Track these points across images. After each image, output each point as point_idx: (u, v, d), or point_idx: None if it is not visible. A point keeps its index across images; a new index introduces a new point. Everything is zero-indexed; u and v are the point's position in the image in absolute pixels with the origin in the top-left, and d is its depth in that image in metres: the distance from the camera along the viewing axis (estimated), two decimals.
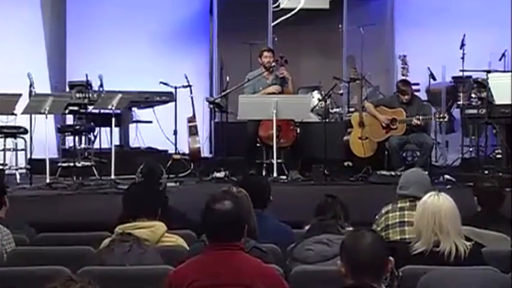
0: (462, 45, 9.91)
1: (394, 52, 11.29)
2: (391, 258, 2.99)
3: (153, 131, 10.22)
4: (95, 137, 9.46)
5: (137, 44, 11.16)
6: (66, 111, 9.48)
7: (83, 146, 9.44)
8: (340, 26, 11.13)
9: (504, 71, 9.75)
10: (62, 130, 9.75)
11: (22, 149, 9.03)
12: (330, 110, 10.44)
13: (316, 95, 10.54)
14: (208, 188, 8.33)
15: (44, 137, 8.39)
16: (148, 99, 10.21)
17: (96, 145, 9.37)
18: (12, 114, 8.73)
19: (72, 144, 9.49)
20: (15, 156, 9.05)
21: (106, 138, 9.46)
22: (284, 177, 8.90)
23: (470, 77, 10.12)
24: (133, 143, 10.57)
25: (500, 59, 10.12)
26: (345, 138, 9.62)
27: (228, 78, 10.30)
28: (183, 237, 4.43)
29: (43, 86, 9.75)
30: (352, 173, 9.20)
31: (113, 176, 8.54)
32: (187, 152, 9.91)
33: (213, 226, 3.35)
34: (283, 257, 4.18)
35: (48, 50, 10.74)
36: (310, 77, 11.22)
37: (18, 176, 8.75)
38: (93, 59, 10.61)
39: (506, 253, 4.12)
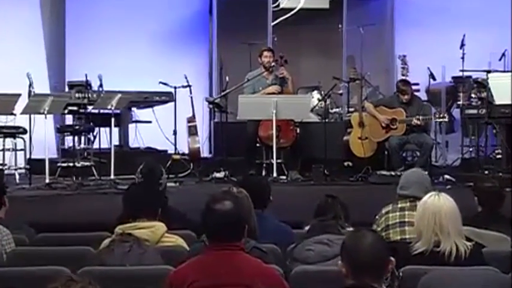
0: (462, 45, 9.91)
1: (394, 52, 11.28)
2: (392, 258, 2.99)
3: (152, 131, 10.22)
4: (95, 137, 9.45)
5: (137, 43, 11.15)
6: (66, 111, 9.47)
7: (82, 146, 9.42)
8: (340, 25, 11.13)
9: (504, 71, 9.74)
10: (62, 130, 9.74)
11: (21, 149, 9.03)
12: (330, 110, 10.43)
13: (316, 95, 10.54)
14: (208, 188, 8.32)
15: (43, 137, 8.37)
16: (148, 99, 10.20)
17: (96, 145, 9.37)
18: (12, 114, 8.72)
19: (71, 144, 9.49)
20: (14, 157, 9.05)
21: (105, 138, 9.46)
22: (284, 177, 8.90)
23: (470, 77, 10.12)
24: (133, 143, 10.56)
25: (500, 59, 10.12)
26: (345, 138, 9.61)
27: (227, 78, 10.29)
28: (183, 238, 4.43)
29: (42, 86, 9.74)
30: (352, 173, 9.20)
31: (112, 176, 8.54)
32: (186, 152, 9.90)
33: (213, 226, 3.35)
34: (283, 257, 4.18)
35: (47, 50, 10.73)
36: (310, 77, 11.21)
37: (17, 176, 8.74)
38: (92, 59, 10.60)
39: (506, 253, 4.12)
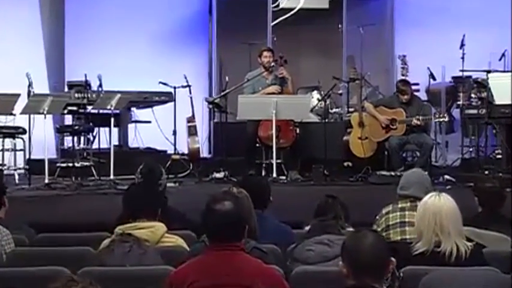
0: (462, 45, 9.90)
1: (393, 52, 11.28)
2: (392, 259, 2.98)
3: (152, 131, 10.21)
4: (94, 137, 9.45)
5: (136, 43, 11.15)
6: (65, 111, 9.46)
7: (81, 146, 9.41)
8: (339, 25, 11.11)
9: (504, 71, 9.73)
10: (61, 130, 9.73)
11: (21, 149, 9.02)
12: (330, 110, 10.42)
13: (315, 95, 10.53)
14: (208, 188, 8.31)
15: (42, 137, 8.36)
16: (148, 99, 10.19)
17: (95, 145, 9.37)
18: (11, 114, 8.71)
19: (71, 145, 9.47)
20: (13, 157, 9.04)
21: (105, 138, 9.45)
22: (283, 177, 8.89)
23: (470, 77, 10.11)
24: (132, 143, 10.55)
25: (500, 59, 10.11)
26: (345, 138, 9.60)
27: (227, 78, 10.29)
28: (182, 238, 4.42)
29: (42, 86, 9.73)
30: (352, 173, 9.19)
31: (111, 176, 8.52)
32: (186, 152, 9.89)
33: (213, 227, 3.35)
34: (283, 257, 4.17)
35: (46, 50, 10.72)
36: (310, 77, 11.21)
37: (16, 177, 8.73)
38: (92, 58, 10.59)
39: (507, 254, 4.11)
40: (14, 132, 8.95)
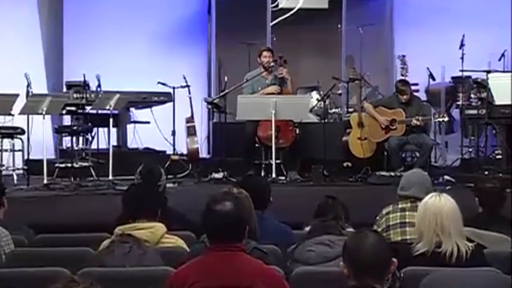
0: (462, 45, 9.90)
1: (393, 52, 11.28)
2: (394, 259, 2.97)
3: (151, 131, 10.19)
4: (93, 137, 9.42)
5: (135, 44, 11.14)
6: (64, 112, 9.43)
7: (80, 146, 9.38)
8: (339, 25, 11.11)
9: (504, 71, 9.74)
10: (60, 130, 9.71)
11: (19, 150, 9.00)
12: (329, 111, 10.41)
13: (315, 95, 10.52)
14: (207, 188, 8.30)
15: (41, 137, 8.34)
16: (146, 100, 10.17)
17: (94, 146, 9.35)
18: (10, 114, 8.69)
19: (69, 145, 9.44)
20: (12, 157, 9.02)
21: (104, 138, 9.42)
22: (283, 177, 8.88)
23: (469, 77, 10.10)
24: (131, 143, 10.53)
25: (500, 59, 10.12)
26: (344, 138, 9.59)
27: (226, 78, 10.27)
28: (182, 238, 4.41)
29: (40, 86, 9.72)
30: (352, 174, 9.18)
31: (110, 177, 8.50)
32: (185, 152, 9.88)
33: (214, 227, 3.34)
34: (283, 258, 4.16)
35: (45, 50, 10.71)
36: (309, 77, 11.20)
37: (15, 177, 8.71)
38: (90, 59, 10.58)
39: (508, 254, 4.11)
40: (12, 132, 8.93)
